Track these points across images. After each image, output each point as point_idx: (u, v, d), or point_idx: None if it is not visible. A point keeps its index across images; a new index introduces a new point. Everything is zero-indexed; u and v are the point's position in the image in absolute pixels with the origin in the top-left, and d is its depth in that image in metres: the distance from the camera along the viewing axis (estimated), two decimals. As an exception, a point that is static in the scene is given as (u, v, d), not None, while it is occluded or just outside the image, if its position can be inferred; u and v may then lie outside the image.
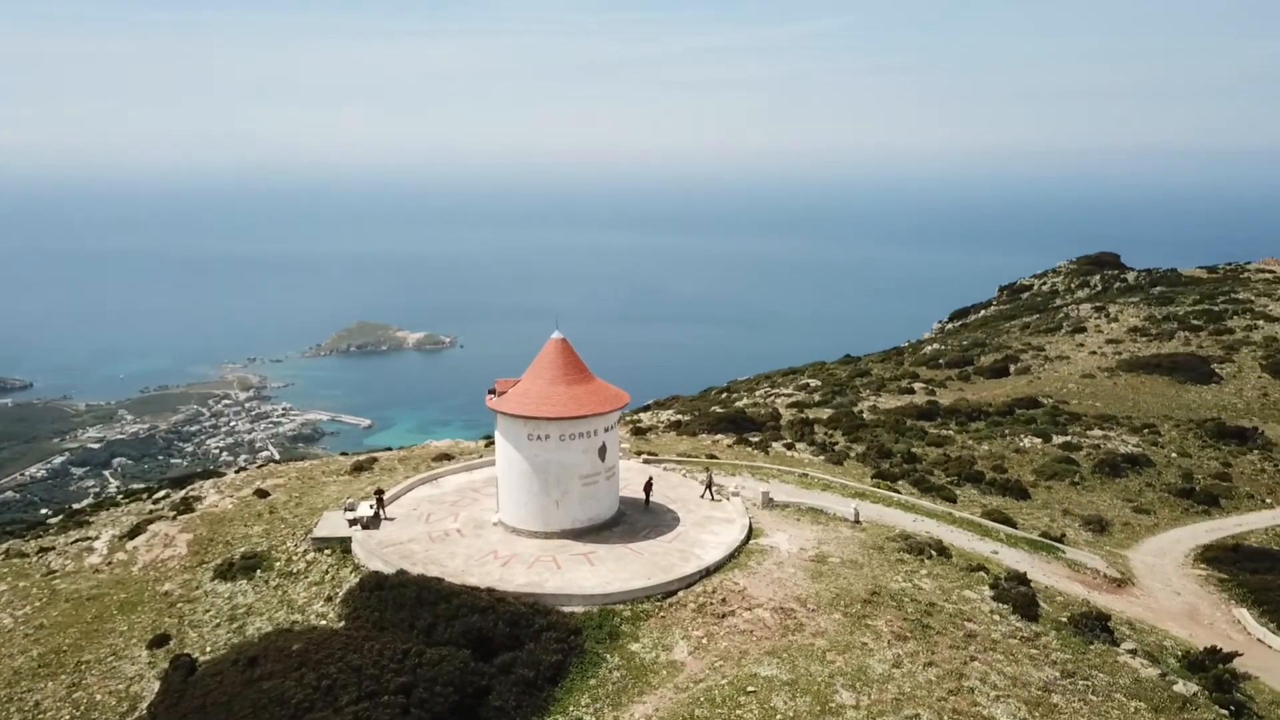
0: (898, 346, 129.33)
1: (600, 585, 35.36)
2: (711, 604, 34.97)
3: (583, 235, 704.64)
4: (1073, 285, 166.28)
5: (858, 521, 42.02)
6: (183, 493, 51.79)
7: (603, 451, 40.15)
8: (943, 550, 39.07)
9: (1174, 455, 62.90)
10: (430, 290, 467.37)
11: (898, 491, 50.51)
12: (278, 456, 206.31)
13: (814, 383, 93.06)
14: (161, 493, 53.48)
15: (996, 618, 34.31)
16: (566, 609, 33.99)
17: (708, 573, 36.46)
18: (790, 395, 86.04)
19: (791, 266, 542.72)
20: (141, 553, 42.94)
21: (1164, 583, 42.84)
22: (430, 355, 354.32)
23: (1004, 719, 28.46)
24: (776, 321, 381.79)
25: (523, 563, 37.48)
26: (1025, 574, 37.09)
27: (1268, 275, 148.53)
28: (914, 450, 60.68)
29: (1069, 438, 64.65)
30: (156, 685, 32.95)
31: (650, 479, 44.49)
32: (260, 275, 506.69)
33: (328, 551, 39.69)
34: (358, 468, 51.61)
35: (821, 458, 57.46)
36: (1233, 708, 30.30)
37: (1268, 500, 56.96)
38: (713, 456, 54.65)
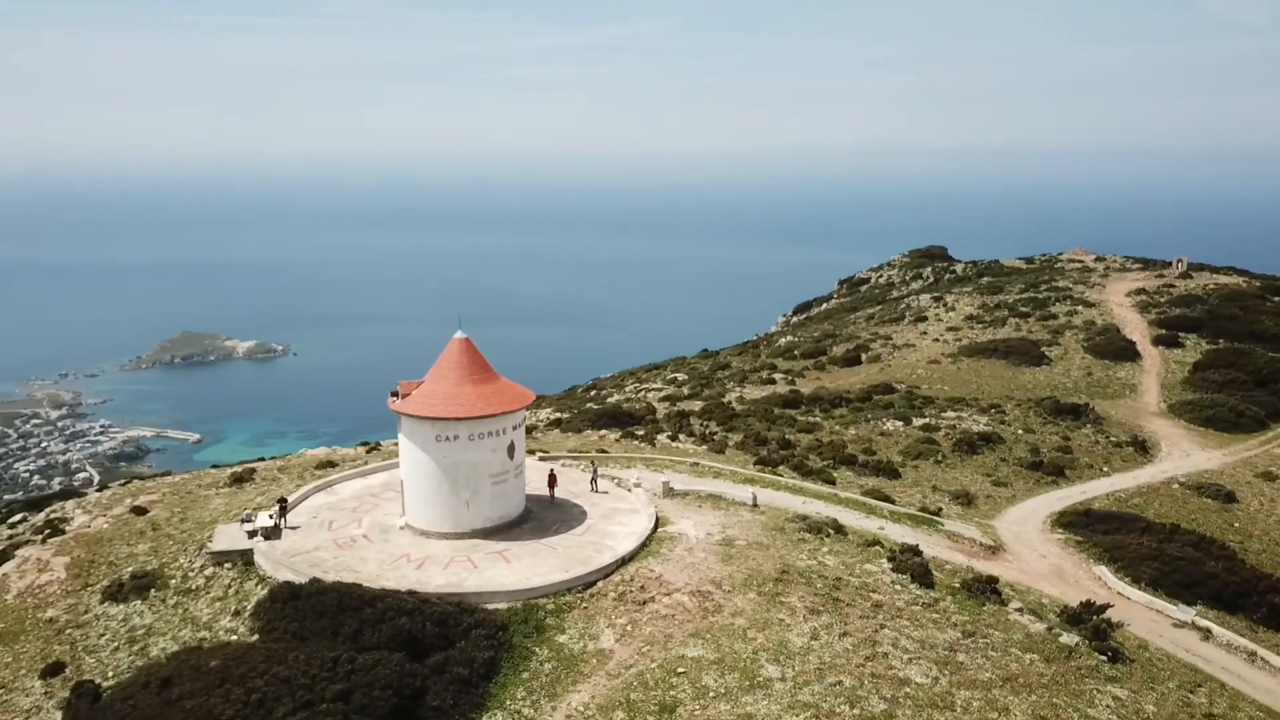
0: (752, 340, 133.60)
1: (520, 581, 35.65)
2: (631, 592, 35.84)
3: (416, 237, 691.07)
4: (907, 277, 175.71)
5: (755, 505, 43.81)
6: (44, 515, 48.58)
7: (511, 450, 40.37)
8: (839, 529, 41.29)
9: (1020, 432, 67.95)
10: (259, 297, 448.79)
11: (781, 476, 52.71)
12: (97, 478, 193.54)
13: (680, 376, 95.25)
14: (17, 516, 49.93)
15: (898, 587, 36.62)
16: (491, 606, 34.16)
17: (623, 562, 37.32)
18: (660, 389, 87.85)
19: (632, 265, 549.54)
20: (14, 580, 40.16)
21: (1030, 547, 46.51)
22: (262, 364, 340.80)
23: (918, 678, 30.60)
24: (624, 320, 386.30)
25: (437, 564, 37.32)
26: (917, 545, 39.67)
27: (1078, 264, 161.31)
28: (788, 437, 63.33)
29: (927, 419, 68.88)
30: (59, 715, 31.14)
31: (553, 472, 44.97)
32: (68, 284, 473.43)
33: (228, 565, 38.33)
34: (238, 479, 49.73)
35: (704, 447, 59.20)
36: (1110, 653, 33.48)
37: (1104, 469, 62.41)
38: (603, 451, 55.49)
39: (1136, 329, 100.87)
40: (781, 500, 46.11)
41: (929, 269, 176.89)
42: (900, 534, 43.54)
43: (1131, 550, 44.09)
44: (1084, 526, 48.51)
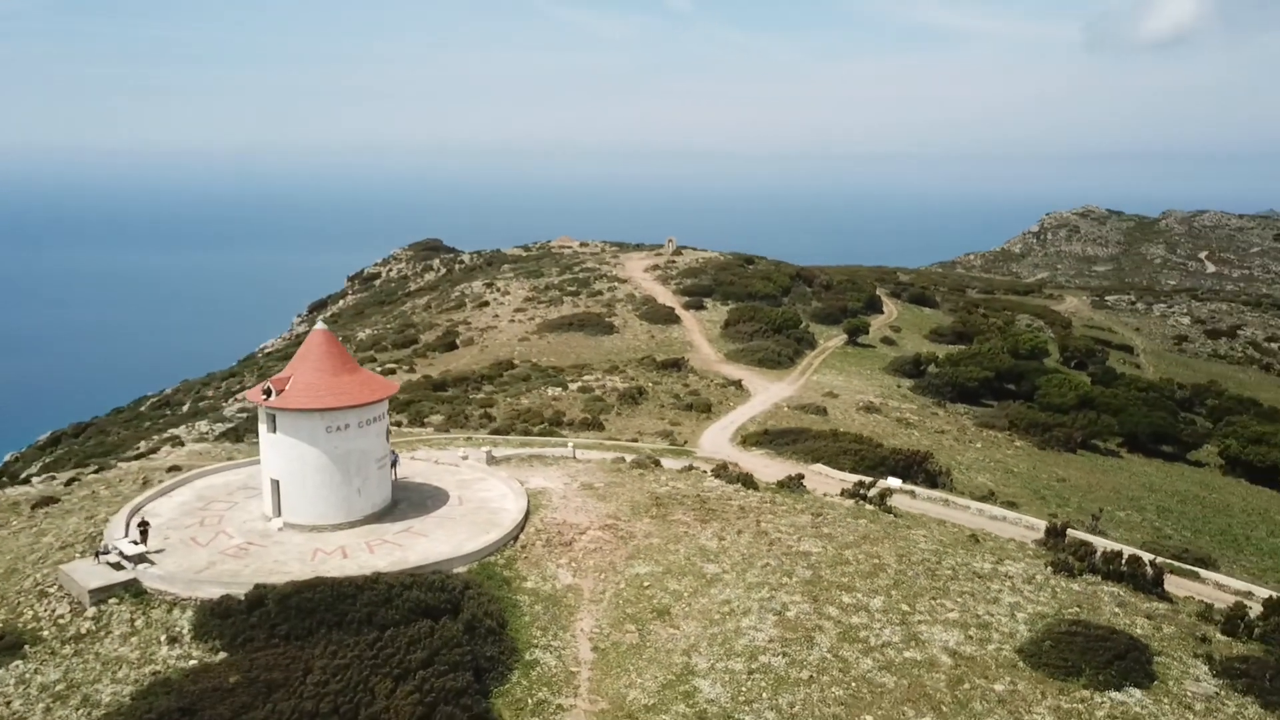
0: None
1: (456, 549, 37.80)
2: (553, 538, 40.02)
3: None
4: (418, 269, 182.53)
5: (575, 458, 49.37)
6: None
7: (387, 434, 41.29)
8: (657, 463, 48.83)
9: (649, 384, 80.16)
10: None
11: (531, 437, 58.23)
12: None
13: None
14: None
15: (741, 493, 45.52)
16: (456, 571, 36.16)
17: (526, 516, 41.07)
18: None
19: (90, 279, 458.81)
20: None
21: (748, 460, 58.10)
22: None
23: (813, 549, 39.91)
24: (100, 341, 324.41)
25: (360, 551, 37.64)
26: (724, 463, 48.81)
27: (568, 249, 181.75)
28: (489, 411, 68.22)
29: (578, 384, 78.01)
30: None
31: (396, 455, 45.92)
32: None
33: (114, 600, 34.45)
34: (42, 503, 42.71)
35: (429, 428, 61.93)
36: (891, 512, 45.82)
37: (732, 404, 77.04)
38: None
39: (668, 298, 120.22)
40: (583, 452, 52.01)
41: (436, 260, 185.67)
42: (681, 461, 52.24)
43: (824, 451, 57.80)
44: (770, 443, 61.48)
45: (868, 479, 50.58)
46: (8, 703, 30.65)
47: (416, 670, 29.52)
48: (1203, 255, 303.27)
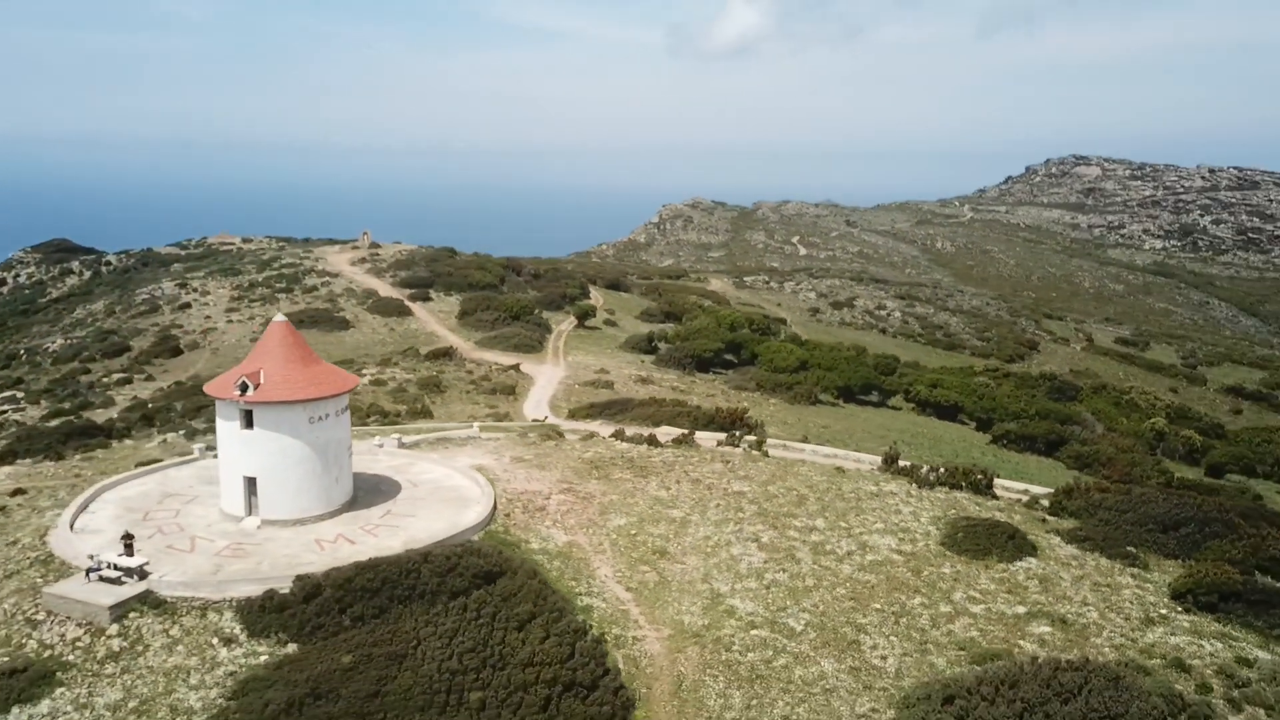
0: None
1: (455, 523, 39.43)
2: (526, 507, 42.76)
3: None
4: (53, 273, 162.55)
5: (480, 436, 51.35)
6: None
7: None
8: (559, 434, 52.28)
9: (435, 373, 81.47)
10: None
11: (403, 423, 58.87)
12: None
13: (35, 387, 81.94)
14: None
15: (656, 452, 50.64)
16: (470, 540, 38.01)
17: (493, 489, 43.30)
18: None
19: None
20: None
21: (607, 430, 62.79)
22: None
23: (745, 489, 46.25)
24: None
25: (362, 536, 38.00)
26: (621, 430, 53.40)
27: (230, 245, 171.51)
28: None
29: (368, 376, 77.60)
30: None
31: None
32: None
33: (134, 614, 32.46)
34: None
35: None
36: (766, 454, 53.19)
37: (525, 386, 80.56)
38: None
39: (389, 291, 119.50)
40: (478, 432, 53.93)
41: (76, 263, 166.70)
42: (566, 429, 55.97)
43: (659, 415, 64.04)
44: (601, 414, 66.64)
45: (723, 434, 57.70)
46: (135, 710, 28.69)
47: (527, 621, 31.93)
48: (795, 239, 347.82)
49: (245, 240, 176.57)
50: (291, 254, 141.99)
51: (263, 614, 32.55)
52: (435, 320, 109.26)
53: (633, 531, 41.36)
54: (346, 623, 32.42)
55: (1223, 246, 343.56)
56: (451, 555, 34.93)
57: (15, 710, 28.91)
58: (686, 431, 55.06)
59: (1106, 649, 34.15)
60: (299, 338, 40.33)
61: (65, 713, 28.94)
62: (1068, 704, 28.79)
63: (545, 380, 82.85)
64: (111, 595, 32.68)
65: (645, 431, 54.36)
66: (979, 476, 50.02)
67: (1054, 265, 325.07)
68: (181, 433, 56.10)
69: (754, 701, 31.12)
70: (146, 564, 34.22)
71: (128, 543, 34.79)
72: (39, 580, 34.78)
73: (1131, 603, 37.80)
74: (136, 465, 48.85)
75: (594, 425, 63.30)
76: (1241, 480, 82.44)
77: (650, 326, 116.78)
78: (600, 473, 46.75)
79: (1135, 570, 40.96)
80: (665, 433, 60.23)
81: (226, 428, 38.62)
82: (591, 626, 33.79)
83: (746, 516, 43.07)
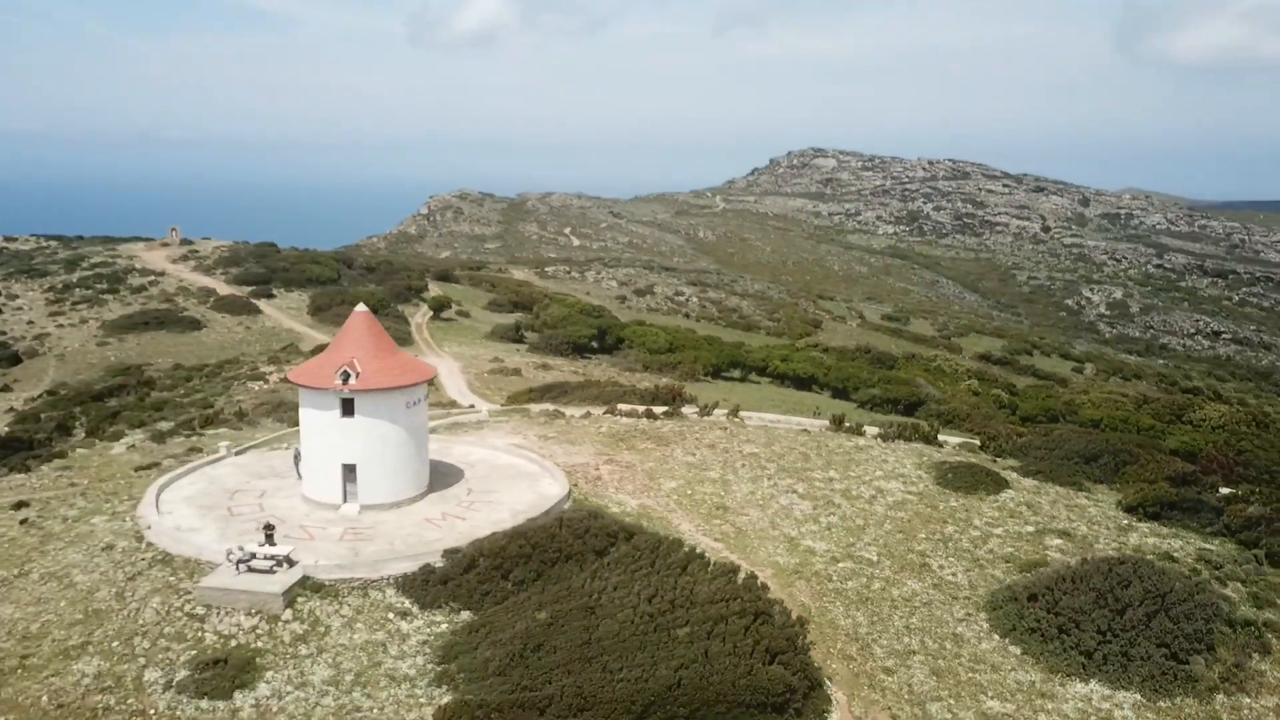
0: None
1: (545, 496, 41.65)
2: (586, 477, 45.56)
3: None
4: None
5: (489, 419, 52.97)
6: None
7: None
8: (560, 414, 54.80)
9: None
10: None
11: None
12: None
13: None
14: None
15: (660, 423, 54.34)
16: (565, 509, 40.63)
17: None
18: None
19: None
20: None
21: (569, 411, 65.38)
22: None
23: (758, 451, 51.11)
24: None
25: (468, 511, 39.64)
26: (614, 406, 56.61)
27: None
28: (241, 407, 64.44)
29: (276, 375, 75.56)
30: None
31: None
32: None
33: (300, 599, 32.96)
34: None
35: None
36: (742, 423, 58.39)
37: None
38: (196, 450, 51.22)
39: (226, 289, 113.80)
40: (487, 415, 55.32)
41: None
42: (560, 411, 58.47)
43: (605, 395, 67.45)
44: (543, 399, 69.06)
45: (665, 407, 62.30)
46: (308, 700, 29.48)
47: (685, 566, 35.37)
48: (567, 230, 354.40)
49: (8, 239, 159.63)
50: (93, 252, 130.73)
51: (426, 587, 34.02)
52: (287, 317, 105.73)
53: (688, 492, 45.29)
54: (509, 587, 34.53)
55: (944, 230, 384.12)
56: (576, 520, 37.58)
57: (238, 695, 29.14)
58: (670, 407, 59.16)
59: (1109, 550, 42.11)
60: (380, 327, 41.05)
61: (288, 692, 29.53)
62: (1128, 588, 36.08)
63: (445, 371, 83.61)
64: (277, 583, 32.94)
65: (640, 408, 57.84)
66: (927, 429, 57.69)
67: (805, 251, 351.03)
68: (145, 436, 53.56)
69: (875, 618, 36.33)
70: (293, 551, 34.52)
71: (269, 533, 34.84)
72: (171, 579, 34.15)
73: (1099, 518, 46.21)
74: (135, 470, 46.98)
75: (561, 406, 65.98)
76: (1051, 427, 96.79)
77: (503, 317, 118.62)
78: (626, 444, 50.13)
79: (1085, 494, 49.69)
80: (621, 409, 64.02)
81: (322, 417, 38.89)
82: (740, 567, 37.55)
83: (771, 473, 48.06)
